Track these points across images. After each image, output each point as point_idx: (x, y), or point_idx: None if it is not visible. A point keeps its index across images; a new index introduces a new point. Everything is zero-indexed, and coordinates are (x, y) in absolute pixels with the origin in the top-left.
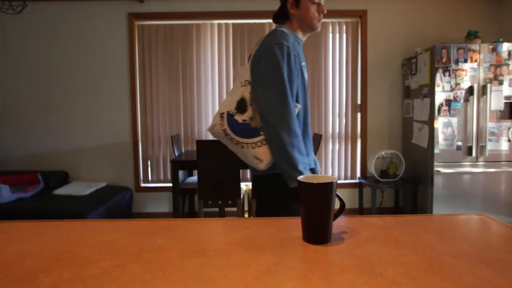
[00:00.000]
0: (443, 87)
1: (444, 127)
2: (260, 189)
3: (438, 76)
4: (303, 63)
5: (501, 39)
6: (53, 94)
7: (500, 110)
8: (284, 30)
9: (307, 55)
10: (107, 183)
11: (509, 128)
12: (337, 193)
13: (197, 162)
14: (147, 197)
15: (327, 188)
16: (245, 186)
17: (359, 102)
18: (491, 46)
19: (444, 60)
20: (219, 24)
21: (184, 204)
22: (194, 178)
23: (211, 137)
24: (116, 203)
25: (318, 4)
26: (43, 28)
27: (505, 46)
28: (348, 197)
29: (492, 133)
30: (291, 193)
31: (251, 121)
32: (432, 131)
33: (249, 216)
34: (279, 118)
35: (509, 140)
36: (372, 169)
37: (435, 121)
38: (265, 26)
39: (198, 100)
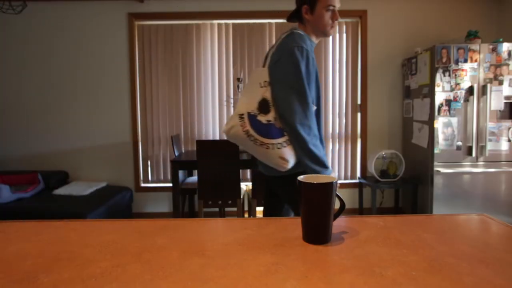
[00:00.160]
0: (443, 87)
1: (444, 127)
2: (281, 190)
3: (438, 76)
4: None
5: (501, 39)
6: (53, 94)
7: (500, 110)
8: (301, 33)
9: None
10: (107, 183)
11: (509, 128)
12: (337, 193)
13: (197, 162)
14: (147, 197)
15: (327, 188)
16: (245, 186)
17: (359, 102)
18: (491, 46)
19: (444, 60)
20: (219, 24)
21: (184, 204)
22: (194, 178)
23: (211, 137)
24: (116, 203)
25: (333, 11)
26: (43, 28)
27: (505, 46)
28: (348, 197)
29: (492, 133)
30: None
31: (276, 121)
32: (432, 131)
33: (249, 216)
34: (300, 118)
35: (509, 140)
36: (372, 169)
37: (435, 121)
38: (265, 26)
39: (198, 100)
